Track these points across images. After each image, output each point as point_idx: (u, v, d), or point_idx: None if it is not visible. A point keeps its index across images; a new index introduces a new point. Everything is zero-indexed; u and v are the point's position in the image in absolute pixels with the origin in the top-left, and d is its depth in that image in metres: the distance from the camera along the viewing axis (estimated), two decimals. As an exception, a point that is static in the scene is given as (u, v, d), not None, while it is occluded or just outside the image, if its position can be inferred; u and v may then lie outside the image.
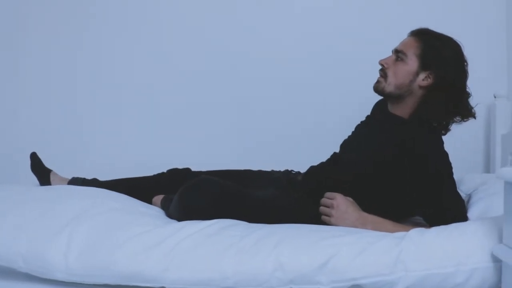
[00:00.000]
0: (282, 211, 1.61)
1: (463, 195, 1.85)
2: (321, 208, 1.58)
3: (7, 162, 2.59)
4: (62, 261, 1.28)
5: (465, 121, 1.71)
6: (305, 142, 2.53)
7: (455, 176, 2.01)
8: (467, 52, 2.37)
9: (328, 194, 1.60)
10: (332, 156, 1.88)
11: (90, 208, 1.47)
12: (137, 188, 1.89)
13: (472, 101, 1.73)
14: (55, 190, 1.70)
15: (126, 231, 1.35)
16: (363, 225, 1.49)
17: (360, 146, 1.75)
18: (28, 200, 1.54)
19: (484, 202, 1.64)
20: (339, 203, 1.54)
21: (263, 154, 2.52)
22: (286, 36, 2.56)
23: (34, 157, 2.05)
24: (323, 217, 1.56)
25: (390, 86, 1.70)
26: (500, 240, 1.17)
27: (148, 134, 2.64)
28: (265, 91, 2.58)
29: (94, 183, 1.93)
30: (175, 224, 1.40)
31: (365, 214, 1.53)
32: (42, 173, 2.01)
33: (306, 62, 2.55)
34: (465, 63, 1.71)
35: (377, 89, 1.74)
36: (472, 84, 2.40)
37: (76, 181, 1.95)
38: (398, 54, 1.71)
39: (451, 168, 1.58)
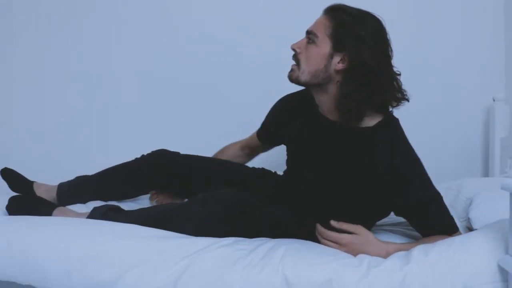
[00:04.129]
0: (293, 233, 1.50)
1: (463, 198, 1.86)
2: (330, 243, 1.42)
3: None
4: (65, 278, 1.26)
5: (397, 105, 1.52)
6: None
7: (453, 180, 2.04)
8: (467, 55, 2.40)
9: (335, 224, 1.43)
10: (290, 171, 1.72)
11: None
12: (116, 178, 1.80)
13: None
14: None
15: (130, 247, 1.32)
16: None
17: (321, 166, 1.57)
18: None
19: (486, 206, 1.65)
20: (354, 241, 1.38)
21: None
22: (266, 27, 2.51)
23: (8, 174, 1.74)
24: None
25: (304, 74, 1.51)
26: (506, 252, 1.16)
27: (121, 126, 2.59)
28: (245, 83, 2.53)
29: (81, 184, 1.79)
30: (183, 239, 1.36)
31: (386, 247, 1.39)
32: (24, 189, 1.74)
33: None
34: (386, 41, 1.49)
35: (291, 78, 1.55)
36: (471, 87, 2.45)
37: (62, 188, 1.78)
38: (309, 35, 1.52)
39: (428, 178, 1.49)
